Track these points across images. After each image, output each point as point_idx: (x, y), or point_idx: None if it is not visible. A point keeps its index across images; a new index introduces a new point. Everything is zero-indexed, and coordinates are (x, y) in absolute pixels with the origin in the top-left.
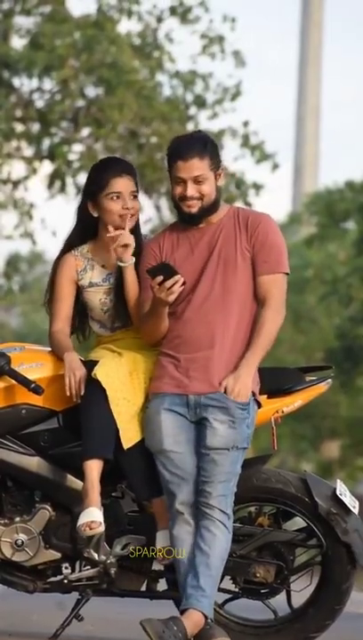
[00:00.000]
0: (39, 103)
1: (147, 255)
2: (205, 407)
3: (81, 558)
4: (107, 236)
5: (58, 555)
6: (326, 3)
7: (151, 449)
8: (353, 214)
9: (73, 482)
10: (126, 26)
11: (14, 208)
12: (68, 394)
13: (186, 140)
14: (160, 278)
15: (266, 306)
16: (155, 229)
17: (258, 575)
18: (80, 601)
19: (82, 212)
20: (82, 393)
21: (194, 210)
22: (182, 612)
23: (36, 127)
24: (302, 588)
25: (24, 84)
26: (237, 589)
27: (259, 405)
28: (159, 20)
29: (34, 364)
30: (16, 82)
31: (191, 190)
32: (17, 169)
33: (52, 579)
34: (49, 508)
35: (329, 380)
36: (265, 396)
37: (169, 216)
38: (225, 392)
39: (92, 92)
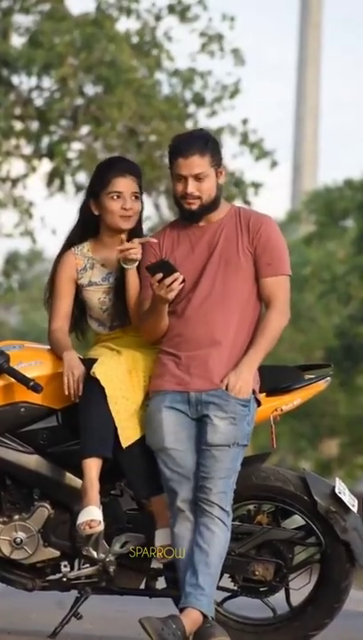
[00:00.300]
0: (38, 101)
1: (147, 253)
2: (206, 404)
3: (80, 556)
4: (118, 248)
5: (57, 553)
6: (325, 3)
7: (152, 447)
8: (352, 212)
9: (72, 480)
10: (125, 24)
11: (14, 206)
12: (66, 392)
13: (187, 138)
14: (159, 276)
15: (271, 307)
16: (154, 227)
17: (257, 573)
18: (79, 599)
19: (84, 209)
20: (80, 391)
21: (194, 207)
22: (181, 611)
23: (35, 125)
24: (301, 587)
25: (23, 82)
26: (235, 587)
27: (259, 404)
28: (158, 18)
29: (33, 362)
30: (15, 80)
31: (192, 187)
32: (16, 167)
33: (51, 577)
34: (48, 507)
35: (328, 378)
36: (264, 394)
37: (168, 214)
38: (226, 388)
39: (91, 90)
